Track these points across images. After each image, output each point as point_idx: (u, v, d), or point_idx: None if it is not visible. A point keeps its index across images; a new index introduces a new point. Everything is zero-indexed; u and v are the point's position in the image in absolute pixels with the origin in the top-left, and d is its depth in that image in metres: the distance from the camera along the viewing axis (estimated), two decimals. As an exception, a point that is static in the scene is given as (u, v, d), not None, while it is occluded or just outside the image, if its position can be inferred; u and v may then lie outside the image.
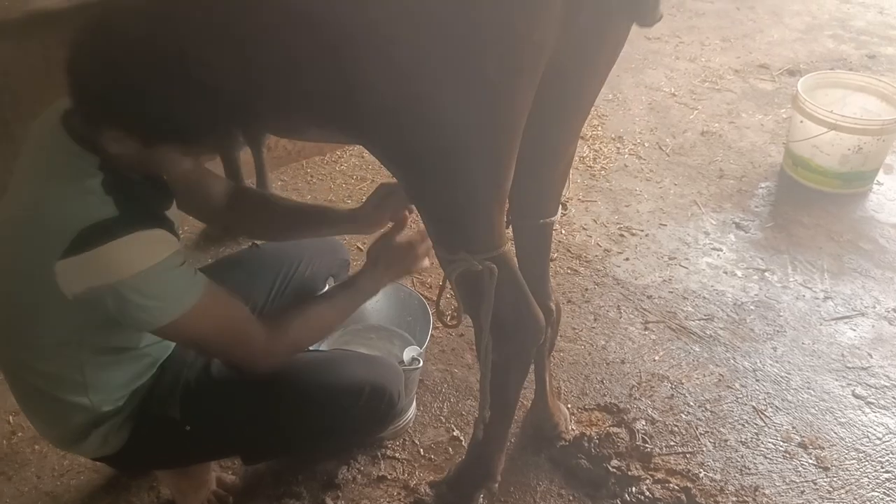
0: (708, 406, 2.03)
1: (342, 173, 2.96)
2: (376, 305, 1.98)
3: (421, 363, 1.76)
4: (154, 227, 1.21)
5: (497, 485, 1.74)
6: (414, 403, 1.96)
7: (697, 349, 2.20)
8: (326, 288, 1.85)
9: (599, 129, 3.25)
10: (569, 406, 1.99)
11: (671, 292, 2.40)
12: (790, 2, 4.49)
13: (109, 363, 1.37)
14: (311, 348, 1.74)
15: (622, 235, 2.64)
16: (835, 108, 2.74)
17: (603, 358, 2.16)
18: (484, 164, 1.23)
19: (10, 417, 1.90)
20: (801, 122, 2.77)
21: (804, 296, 2.39)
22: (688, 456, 1.88)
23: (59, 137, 1.21)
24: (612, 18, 1.25)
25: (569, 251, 2.56)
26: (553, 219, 1.56)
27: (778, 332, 2.26)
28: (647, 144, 3.15)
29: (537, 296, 1.54)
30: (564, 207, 2.77)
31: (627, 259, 2.53)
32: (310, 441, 1.62)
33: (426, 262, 1.62)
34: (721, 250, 2.58)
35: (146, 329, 1.27)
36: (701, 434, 1.95)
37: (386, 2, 1.05)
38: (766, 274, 2.48)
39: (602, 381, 2.09)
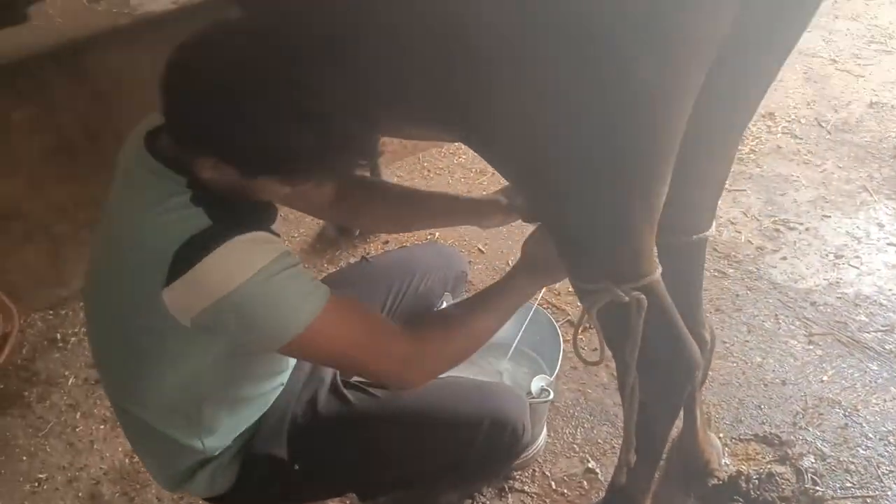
0: (891, 438, 1.73)
1: (461, 166, 2.79)
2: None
3: (552, 395, 1.57)
4: (253, 230, 1.08)
5: (639, 531, 1.54)
6: (545, 430, 1.78)
7: (875, 368, 1.88)
8: (443, 304, 1.70)
9: (746, 105, 2.91)
10: (721, 436, 1.75)
11: (840, 298, 2.08)
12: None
13: (227, 406, 1.29)
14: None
15: (777, 230, 2.33)
16: None
17: (760, 378, 1.89)
18: (634, 177, 1.03)
19: (132, 436, 1.88)
20: None
21: None
22: (868, 501, 1.60)
23: (144, 158, 1.10)
24: None
25: (715, 250, 2.27)
26: (708, 233, 1.32)
27: (977, 346, 1.90)
28: (803, 121, 2.78)
29: (689, 324, 1.32)
30: (708, 198, 2.47)
31: (785, 258, 2.23)
32: (426, 477, 1.49)
33: None
34: (900, 246, 2.22)
35: (275, 346, 1.12)
36: (884, 474, 1.66)
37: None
38: (959, 274, 2.11)
39: (759, 407, 1.82)
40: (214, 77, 0.98)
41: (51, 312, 2.28)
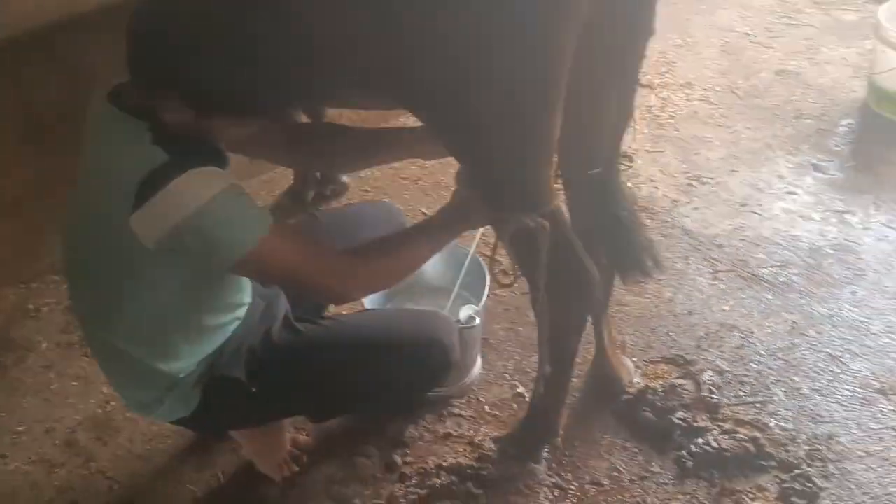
0: (780, 355, 1.97)
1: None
2: (432, 264, 2.00)
3: (478, 321, 1.79)
4: (206, 164, 1.24)
5: (560, 439, 1.76)
6: (479, 362, 1.99)
7: (770, 297, 2.13)
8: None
9: (668, 75, 3.14)
10: (634, 360, 1.97)
11: (742, 240, 2.32)
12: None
13: (191, 334, 1.46)
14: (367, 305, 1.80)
15: (691, 185, 2.57)
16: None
17: (670, 310, 2.13)
18: (531, 117, 1.23)
19: (104, 388, 2.04)
20: (884, 52, 2.60)
21: (888, 237, 2.27)
22: (757, 406, 1.84)
23: (109, 110, 1.27)
24: None
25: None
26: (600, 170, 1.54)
27: (858, 275, 2.16)
28: (718, 89, 3.03)
29: (592, 250, 1.53)
30: (630, 160, 2.69)
31: (696, 209, 2.46)
32: (372, 396, 1.66)
33: None
34: (797, 194, 2.47)
35: (231, 262, 1.28)
36: (772, 383, 1.90)
37: None
38: (847, 216, 2.36)
39: (668, 334, 2.06)
40: (172, 23, 1.15)
41: (22, 285, 2.41)
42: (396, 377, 1.60)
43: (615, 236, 1.60)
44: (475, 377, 1.96)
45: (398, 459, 1.81)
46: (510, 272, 1.55)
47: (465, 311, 1.78)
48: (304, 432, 1.91)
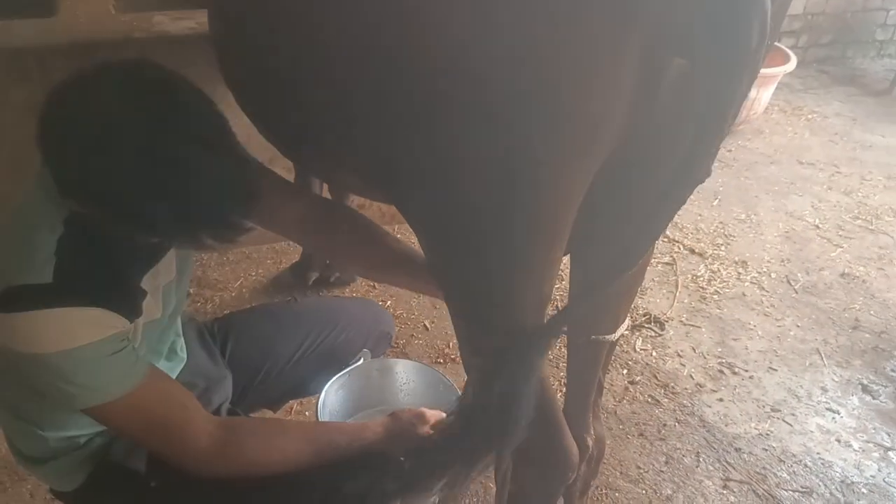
0: None
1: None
2: (406, 387, 1.76)
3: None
4: (93, 304, 1.05)
5: None
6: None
7: (784, 528, 1.82)
8: (360, 360, 1.68)
9: (723, 248, 2.93)
10: (609, 560, 1.67)
11: (765, 450, 2.03)
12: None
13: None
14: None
15: (721, 372, 2.30)
16: None
17: (665, 511, 1.83)
18: (522, 256, 1.02)
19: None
20: (965, 282, 2.35)
21: (935, 491, 1.95)
22: None
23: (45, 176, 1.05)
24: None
25: (655, 377, 2.25)
26: (608, 338, 1.31)
27: (892, 529, 1.83)
28: (773, 275, 2.79)
29: (573, 424, 1.29)
30: (662, 327, 2.47)
31: (721, 400, 2.19)
32: None
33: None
34: (839, 413, 2.18)
35: (71, 408, 1.14)
36: None
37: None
38: (891, 454, 2.05)
39: (656, 540, 1.75)
40: (87, 121, 0.95)
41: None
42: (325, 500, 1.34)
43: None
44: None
45: None
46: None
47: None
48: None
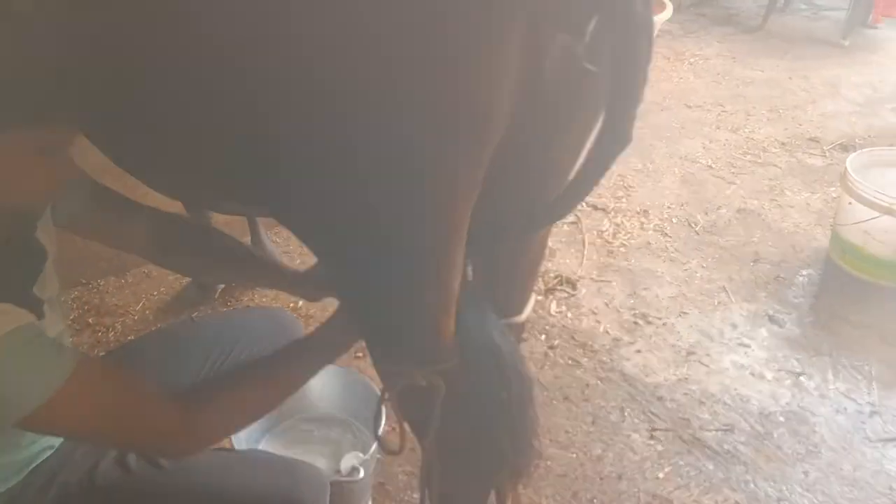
0: (718, 542, 1.69)
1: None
2: (324, 392, 1.71)
3: (362, 474, 1.48)
4: None
5: None
6: (369, 513, 1.67)
7: (711, 467, 1.86)
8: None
9: (624, 200, 2.97)
10: (548, 531, 1.68)
11: (686, 394, 2.07)
12: (849, 72, 4.17)
13: None
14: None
15: (636, 323, 2.33)
16: (891, 190, 2.40)
17: (597, 471, 1.84)
18: (426, 259, 0.97)
19: None
20: (850, 203, 2.44)
21: (846, 409, 2.03)
22: None
23: None
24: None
25: (573, 338, 2.26)
26: (516, 319, 1.28)
27: (811, 452, 1.90)
28: (675, 220, 2.85)
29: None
30: (574, 287, 2.48)
31: (639, 351, 2.22)
32: None
33: None
34: (750, 347, 2.24)
35: (9, 423, 1.01)
36: (706, 578, 1.60)
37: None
38: (802, 379, 2.13)
39: (591, 501, 1.76)
40: None
41: None
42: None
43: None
44: (361, 533, 1.64)
45: None
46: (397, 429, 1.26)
47: (347, 461, 1.48)
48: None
